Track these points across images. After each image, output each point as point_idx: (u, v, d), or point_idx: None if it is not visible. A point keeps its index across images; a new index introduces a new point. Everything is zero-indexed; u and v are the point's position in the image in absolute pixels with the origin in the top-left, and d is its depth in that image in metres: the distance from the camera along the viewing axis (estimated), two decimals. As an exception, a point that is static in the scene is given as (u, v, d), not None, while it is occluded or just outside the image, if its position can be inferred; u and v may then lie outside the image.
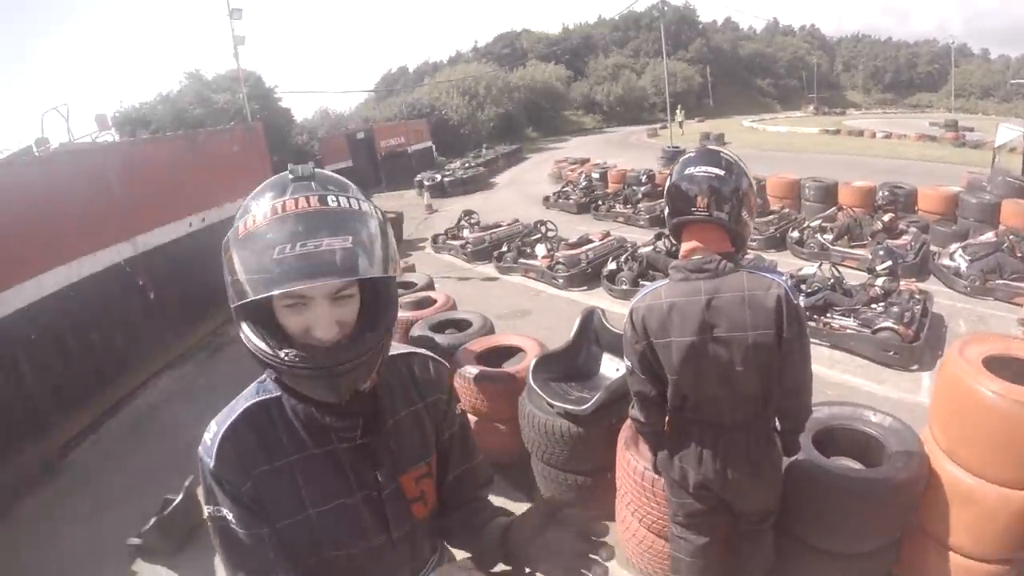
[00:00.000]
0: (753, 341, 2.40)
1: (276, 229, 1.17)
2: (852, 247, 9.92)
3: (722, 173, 2.39)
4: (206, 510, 1.41)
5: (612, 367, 4.66)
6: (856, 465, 3.31)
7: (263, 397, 1.42)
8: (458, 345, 5.47)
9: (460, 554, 1.70)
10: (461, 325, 6.18)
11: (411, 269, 9.25)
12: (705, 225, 2.44)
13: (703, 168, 2.41)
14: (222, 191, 11.06)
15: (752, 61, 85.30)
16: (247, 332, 1.26)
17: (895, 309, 6.76)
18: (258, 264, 1.17)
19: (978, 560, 3.00)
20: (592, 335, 4.85)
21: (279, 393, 1.40)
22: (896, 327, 6.46)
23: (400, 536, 1.52)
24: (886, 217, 10.12)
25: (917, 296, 7.18)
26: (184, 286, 9.36)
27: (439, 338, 5.73)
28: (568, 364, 4.72)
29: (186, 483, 4.91)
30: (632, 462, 3.44)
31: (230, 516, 1.36)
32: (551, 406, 4.16)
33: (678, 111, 37.44)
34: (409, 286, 8.02)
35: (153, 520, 4.80)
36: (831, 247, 9.99)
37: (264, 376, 1.44)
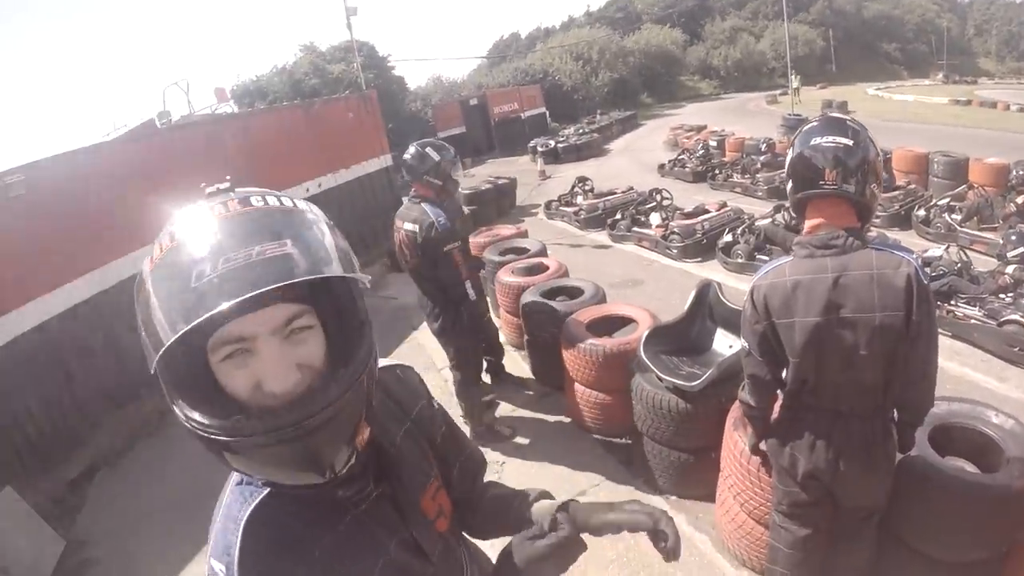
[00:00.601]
0: (880, 323, 2.27)
1: (191, 249, 0.92)
2: (982, 229, 9.19)
3: (850, 143, 2.27)
4: None
5: (725, 343, 4.59)
6: (971, 467, 3.14)
7: (255, 501, 1.13)
8: (569, 313, 5.48)
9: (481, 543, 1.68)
10: (573, 292, 6.17)
11: (524, 235, 9.21)
12: (831, 199, 2.34)
13: (830, 138, 2.29)
14: (338, 158, 11.33)
15: (877, 24, 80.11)
16: (182, 408, 0.98)
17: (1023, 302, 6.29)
18: (173, 297, 0.90)
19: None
20: (706, 309, 4.77)
21: (267, 488, 1.13)
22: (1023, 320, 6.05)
23: (438, 556, 1.36)
24: (1020, 199, 9.25)
25: None
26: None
27: (548, 305, 5.76)
28: (680, 338, 4.67)
29: None
30: (740, 444, 3.33)
31: None
32: (660, 380, 4.14)
33: (793, 77, 35.87)
34: (522, 252, 8.00)
35: None
36: (959, 228, 9.31)
37: (239, 478, 1.18)
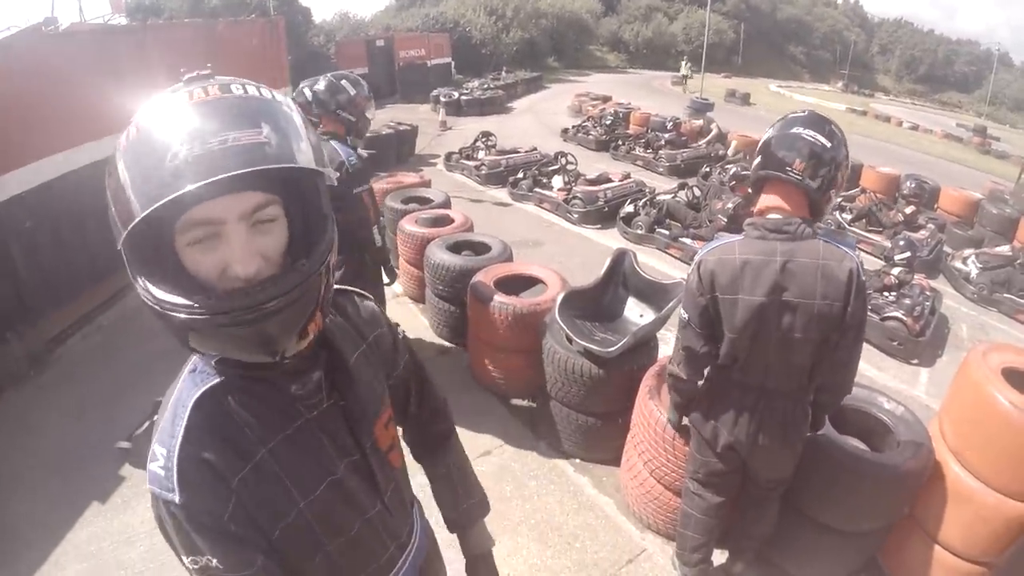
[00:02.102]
0: (819, 310, 2.39)
1: (167, 129, 0.92)
2: (868, 231, 9.95)
3: (827, 144, 2.35)
4: (186, 563, 1.12)
5: (637, 312, 4.67)
6: (863, 447, 3.35)
7: (206, 386, 1.14)
8: (476, 268, 5.41)
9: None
10: (478, 248, 6.12)
11: (427, 184, 9.07)
12: (791, 187, 2.42)
13: (810, 132, 2.36)
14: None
15: (788, 26, 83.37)
16: (146, 286, 0.99)
17: (906, 301, 6.84)
18: (147, 175, 0.90)
19: (962, 558, 3.10)
20: (620, 277, 4.81)
21: (220, 377, 1.14)
22: (905, 319, 6.56)
23: (389, 496, 1.40)
24: (908, 209, 10.14)
25: (928, 292, 7.25)
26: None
27: (455, 260, 5.68)
28: (593, 303, 4.69)
29: None
30: (655, 412, 3.48)
31: (220, 564, 1.09)
32: (570, 342, 4.17)
33: (684, 64, 36.19)
34: (424, 202, 7.89)
35: (145, 424, 4.73)
36: (848, 227, 9.99)
37: (192, 362, 1.19)
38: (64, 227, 7.05)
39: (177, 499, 1.06)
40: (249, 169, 0.90)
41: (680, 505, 3.27)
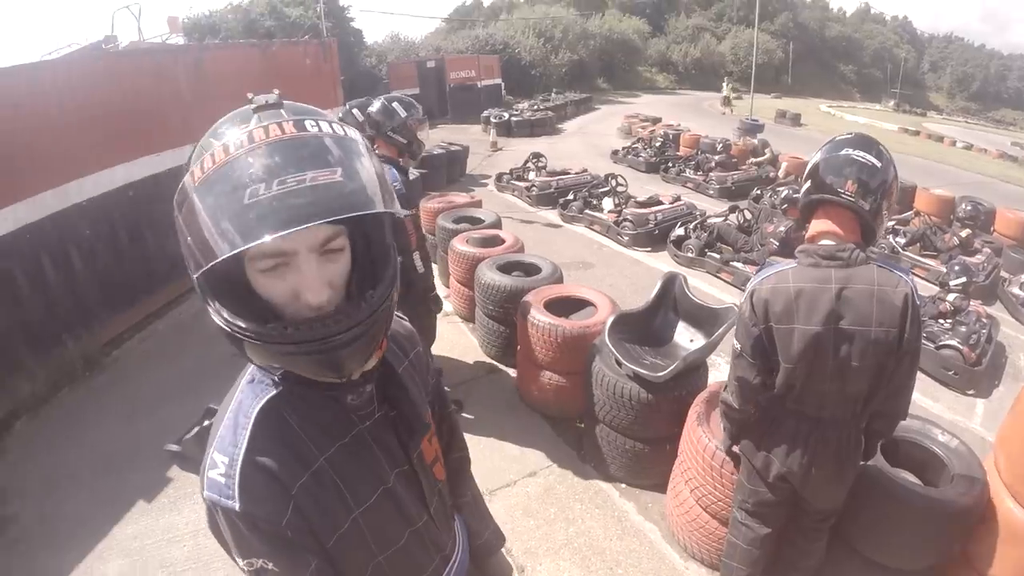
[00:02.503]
0: (875, 338, 2.35)
1: (244, 166, 0.93)
2: (923, 255, 9.66)
3: (877, 164, 2.33)
4: (241, 564, 1.16)
5: (687, 337, 4.61)
6: (914, 480, 3.27)
7: (266, 396, 1.19)
8: (526, 289, 5.44)
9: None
10: (529, 269, 6.13)
11: (478, 205, 9.10)
12: (843, 210, 2.39)
13: (860, 153, 2.35)
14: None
15: (837, 44, 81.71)
16: (219, 311, 1.03)
17: (962, 329, 6.57)
18: (226, 213, 0.91)
19: (1015, 599, 2.98)
20: (671, 301, 4.77)
21: (279, 387, 1.19)
22: (960, 347, 6.30)
23: (435, 507, 1.43)
24: (964, 232, 9.82)
25: (984, 319, 6.94)
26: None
27: (505, 280, 5.71)
28: (643, 327, 4.65)
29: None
30: (703, 439, 3.40)
31: (276, 567, 1.13)
32: (619, 365, 4.14)
33: (725, 84, 35.46)
34: (475, 222, 7.92)
35: (196, 429, 4.84)
36: (901, 252, 9.70)
37: (251, 372, 1.24)
38: (122, 236, 7.39)
39: (237, 507, 1.09)
40: (333, 219, 0.94)
41: (726, 535, 3.21)
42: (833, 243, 2.42)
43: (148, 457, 4.85)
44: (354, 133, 1.06)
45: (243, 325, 1.00)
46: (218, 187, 0.93)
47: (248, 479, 1.10)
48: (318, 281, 1.02)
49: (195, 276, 0.99)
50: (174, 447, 4.89)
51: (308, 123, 0.99)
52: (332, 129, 1.02)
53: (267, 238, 0.89)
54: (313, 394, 1.18)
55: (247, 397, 1.20)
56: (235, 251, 0.91)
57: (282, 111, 1.02)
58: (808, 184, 2.49)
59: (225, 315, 1.02)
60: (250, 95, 1.05)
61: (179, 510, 4.43)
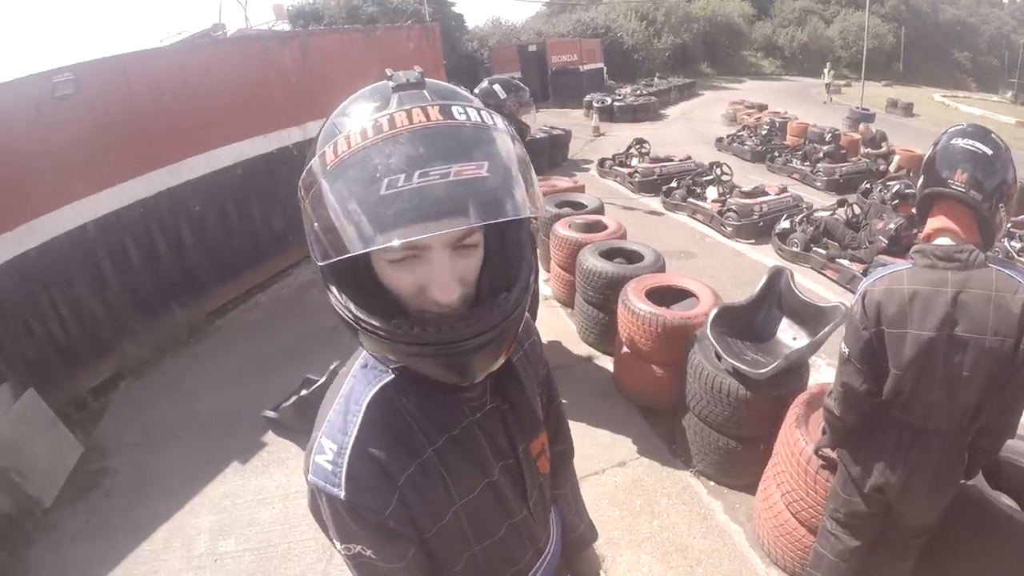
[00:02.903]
0: (989, 346, 2.20)
1: (383, 154, 0.84)
2: None
3: (989, 152, 2.19)
4: (339, 547, 1.15)
5: (790, 335, 4.44)
6: (1016, 506, 3.01)
7: (379, 384, 1.15)
8: (627, 276, 5.37)
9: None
10: (631, 256, 6.03)
11: (581, 190, 9.04)
12: (956, 205, 2.25)
13: (971, 142, 2.21)
14: None
15: (951, 29, 76.75)
16: (344, 301, 0.97)
17: None
18: (359, 205, 0.84)
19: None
20: (776, 296, 4.60)
21: (393, 374, 1.14)
22: None
23: (534, 501, 1.39)
24: None
25: None
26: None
27: (607, 266, 5.64)
28: (745, 321, 4.51)
29: (331, 367, 4.87)
30: (800, 442, 3.25)
31: (374, 555, 1.12)
32: (719, 359, 4.05)
33: (827, 71, 33.81)
34: (578, 207, 7.87)
35: (293, 398, 4.98)
36: (1017, 257, 8.94)
37: (364, 357, 1.19)
38: (230, 212, 7.78)
39: (342, 495, 1.06)
40: (479, 224, 0.88)
41: (813, 544, 3.10)
42: (951, 243, 2.28)
43: (245, 422, 5.18)
44: (502, 121, 0.97)
45: (366, 318, 0.95)
46: (352, 174, 0.85)
47: (356, 469, 1.07)
48: (449, 277, 0.95)
49: (319, 263, 0.94)
50: (271, 414, 5.13)
51: (455, 109, 0.90)
52: (480, 117, 0.92)
53: (396, 243, 0.83)
54: (428, 385, 1.11)
55: (359, 383, 1.16)
56: (367, 249, 0.84)
57: (425, 92, 0.93)
58: (922, 179, 2.37)
59: (348, 305, 0.97)
60: (388, 71, 0.96)
61: (271, 474, 4.61)
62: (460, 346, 0.95)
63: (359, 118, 0.90)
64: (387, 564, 1.13)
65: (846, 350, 2.52)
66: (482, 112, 0.93)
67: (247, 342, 6.75)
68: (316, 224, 0.90)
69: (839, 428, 2.71)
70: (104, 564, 3.97)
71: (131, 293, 6.51)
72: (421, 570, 1.18)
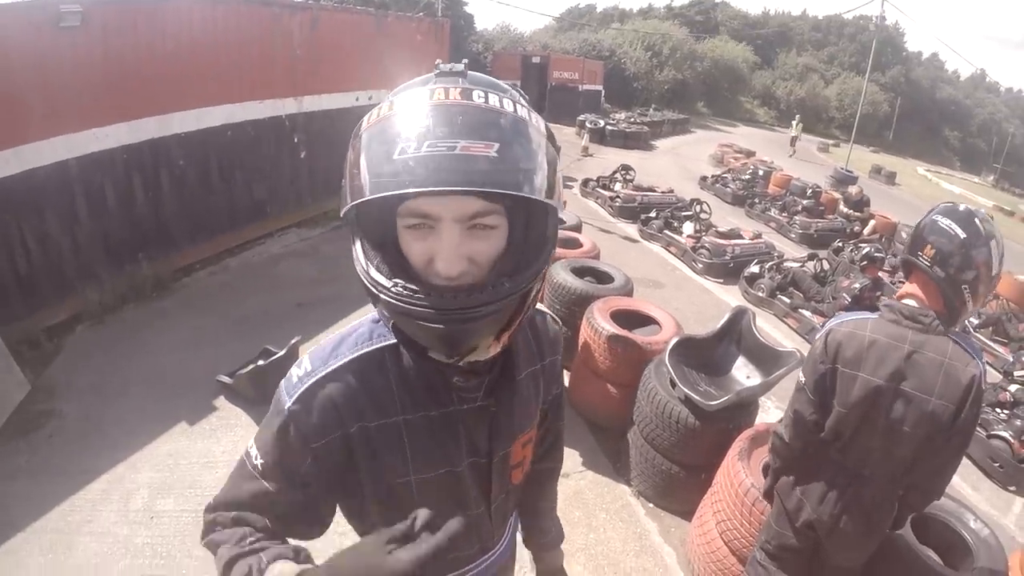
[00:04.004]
0: (932, 408, 2.33)
1: (404, 123, 0.93)
2: (994, 340, 9.27)
3: (962, 236, 2.29)
4: (246, 447, 1.22)
5: (744, 373, 4.61)
6: (938, 560, 3.16)
7: (377, 344, 1.21)
8: (595, 296, 5.48)
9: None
10: (602, 277, 6.16)
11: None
12: (924, 276, 2.40)
13: (950, 222, 2.34)
14: (399, 76, 11.00)
15: (946, 108, 78.06)
16: (359, 253, 1.04)
17: (1018, 423, 6.30)
18: (378, 161, 0.93)
19: None
20: (736, 334, 4.77)
21: (395, 340, 1.16)
22: (1012, 440, 6.07)
23: (496, 506, 1.42)
24: None
25: None
26: (335, 156, 9.59)
27: (577, 283, 5.72)
28: (703, 354, 4.66)
29: (292, 340, 4.99)
30: (741, 475, 3.40)
31: (263, 473, 1.18)
32: (673, 386, 4.16)
33: (795, 123, 33.75)
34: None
35: (250, 367, 4.95)
36: (973, 332, 9.30)
37: (379, 318, 1.20)
38: (214, 172, 7.72)
39: (287, 406, 1.15)
40: (466, 189, 0.91)
41: (741, 573, 3.22)
42: (917, 305, 2.43)
43: (198, 384, 5.11)
44: (534, 117, 1.02)
45: (371, 275, 1.01)
46: (377, 138, 0.95)
47: (312, 393, 1.16)
48: (454, 251, 0.99)
49: (342, 213, 1.03)
50: (226, 379, 5.09)
51: (476, 93, 0.96)
52: (503, 105, 0.97)
53: (392, 193, 0.91)
54: (424, 362, 1.15)
55: (364, 334, 1.24)
56: (359, 200, 0.95)
57: (460, 79, 1.00)
58: (907, 244, 2.53)
59: (361, 260, 1.04)
60: (438, 61, 1.03)
61: (218, 439, 4.60)
62: (446, 314, 0.97)
63: (399, 93, 1.00)
64: (264, 482, 1.17)
65: (803, 379, 2.65)
66: (506, 100, 0.98)
67: (211, 304, 6.70)
68: (348, 175, 1.00)
69: (785, 455, 2.81)
70: (40, 506, 3.92)
71: (102, 237, 6.43)
72: (288, 514, 1.19)
